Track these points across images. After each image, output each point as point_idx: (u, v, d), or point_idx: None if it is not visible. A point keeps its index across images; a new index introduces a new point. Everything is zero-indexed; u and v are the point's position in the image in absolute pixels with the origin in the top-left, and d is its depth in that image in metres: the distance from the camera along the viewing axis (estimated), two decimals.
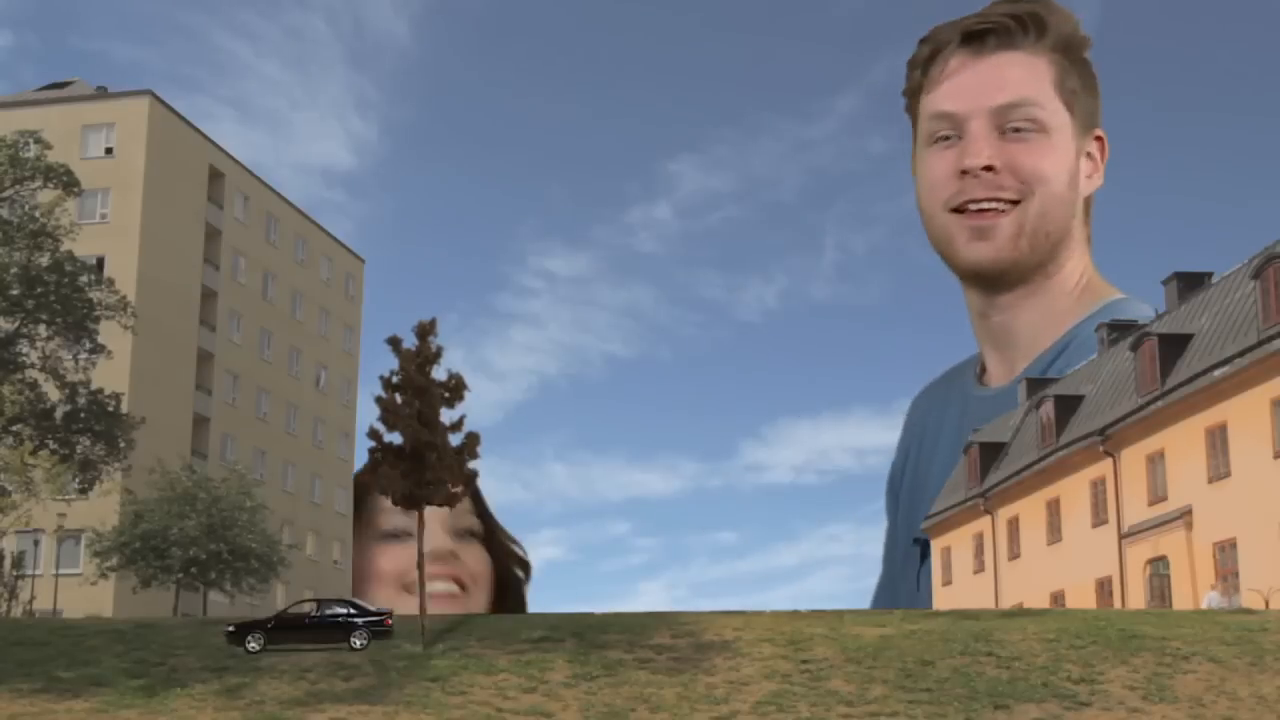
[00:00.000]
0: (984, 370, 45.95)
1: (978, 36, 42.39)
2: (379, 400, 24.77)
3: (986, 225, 42.35)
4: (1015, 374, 42.73)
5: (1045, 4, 42.82)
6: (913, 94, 43.69)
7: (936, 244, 42.83)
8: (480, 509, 51.77)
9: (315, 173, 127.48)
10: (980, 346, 45.40)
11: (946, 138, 42.44)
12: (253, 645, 23.78)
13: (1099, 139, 43.41)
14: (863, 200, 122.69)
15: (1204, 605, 27.92)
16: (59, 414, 33.16)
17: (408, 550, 45.99)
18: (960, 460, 42.20)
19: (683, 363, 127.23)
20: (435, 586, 42.83)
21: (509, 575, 51.42)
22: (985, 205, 41.67)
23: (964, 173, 41.21)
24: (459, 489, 25.22)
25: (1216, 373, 29.80)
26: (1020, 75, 42.10)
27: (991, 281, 42.59)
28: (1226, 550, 29.38)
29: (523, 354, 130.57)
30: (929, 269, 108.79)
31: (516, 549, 53.01)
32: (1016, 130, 42.26)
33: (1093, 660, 21.68)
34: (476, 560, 50.04)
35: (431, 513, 46.01)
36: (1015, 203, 42.00)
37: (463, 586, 49.27)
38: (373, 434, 24.94)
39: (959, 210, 41.92)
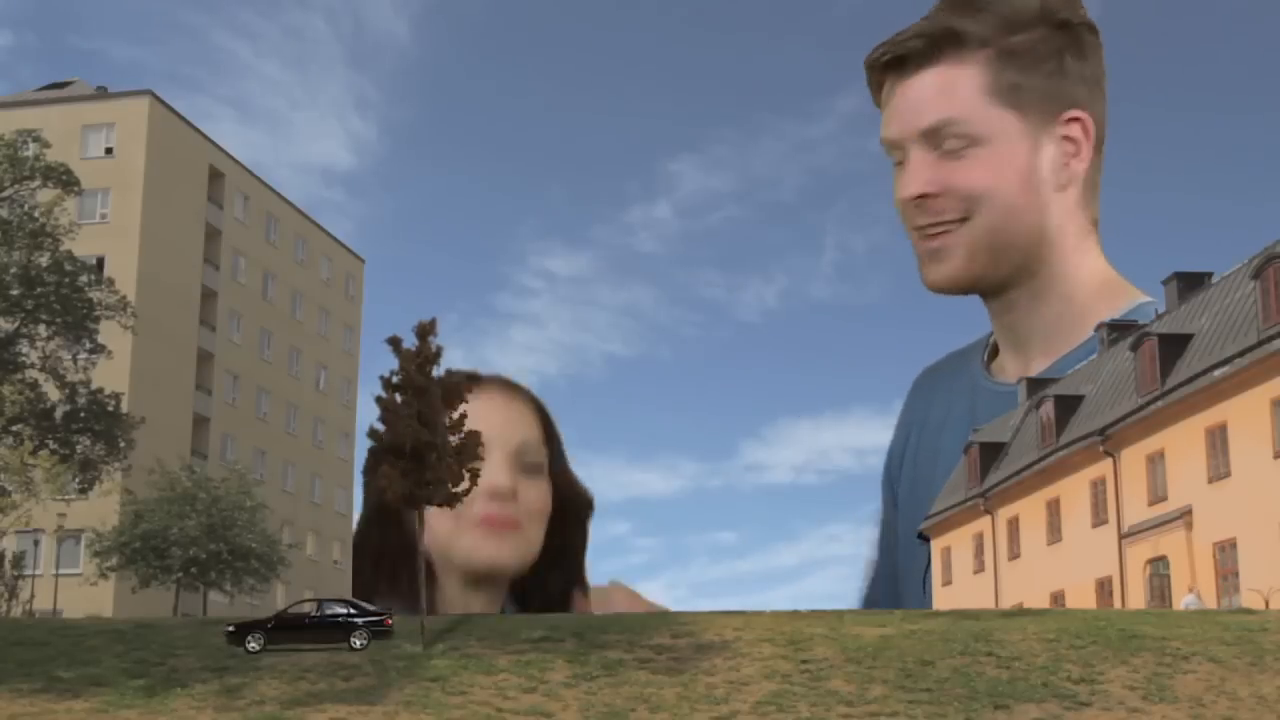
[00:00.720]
0: (991, 359, 44.64)
1: (897, 61, 40.98)
2: (379, 400, 24.79)
3: (937, 247, 41.30)
4: (1029, 372, 41.67)
5: (972, 5, 40.62)
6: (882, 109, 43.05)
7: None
8: (550, 437, 46.93)
9: (315, 172, 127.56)
10: (998, 340, 44.20)
11: (901, 162, 41.55)
12: (253, 645, 23.78)
13: (1076, 120, 41.06)
14: (863, 200, 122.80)
15: (1182, 607, 28.13)
16: (59, 414, 33.17)
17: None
18: (962, 459, 42.19)
19: (683, 363, 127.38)
20: (478, 540, 40.77)
21: (571, 510, 46.81)
22: (932, 230, 40.71)
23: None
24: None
25: (1216, 373, 29.78)
26: (940, 94, 40.37)
27: (976, 292, 41.75)
28: (1226, 550, 29.38)
29: (523, 354, 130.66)
30: None
31: (579, 483, 48.32)
32: (955, 143, 40.76)
33: (1093, 660, 21.68)
34: (537, 496, 45.38)
35: (498, 441, 44.40)
36: (964, 220, 40.76)
37: (516, 526, 44.29)
38: (373, 434, 24.96)
39: (919, 230, 41.04)
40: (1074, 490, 35.93)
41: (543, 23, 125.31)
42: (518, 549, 43.38)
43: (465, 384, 38.35)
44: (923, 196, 40.45)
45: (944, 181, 40.93)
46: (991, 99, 40.60)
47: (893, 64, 40.77)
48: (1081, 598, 34.32)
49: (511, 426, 44.00)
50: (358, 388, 69.15)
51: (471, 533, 40.45)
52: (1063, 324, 41.75)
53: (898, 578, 43.71)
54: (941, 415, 43.57)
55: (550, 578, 44.87)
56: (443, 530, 40.91)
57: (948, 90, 41.01)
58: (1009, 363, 43.18)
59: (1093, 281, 42.33)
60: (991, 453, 40.88)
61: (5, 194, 32.00)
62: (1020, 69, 40.93)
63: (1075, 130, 41.41)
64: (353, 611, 24.62)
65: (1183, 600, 28.92)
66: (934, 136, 40.69)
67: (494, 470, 41.71)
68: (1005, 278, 41.47)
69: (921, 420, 44.51)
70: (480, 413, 43.66)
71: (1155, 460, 32.22)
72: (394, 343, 25.06)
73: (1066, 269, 42.08)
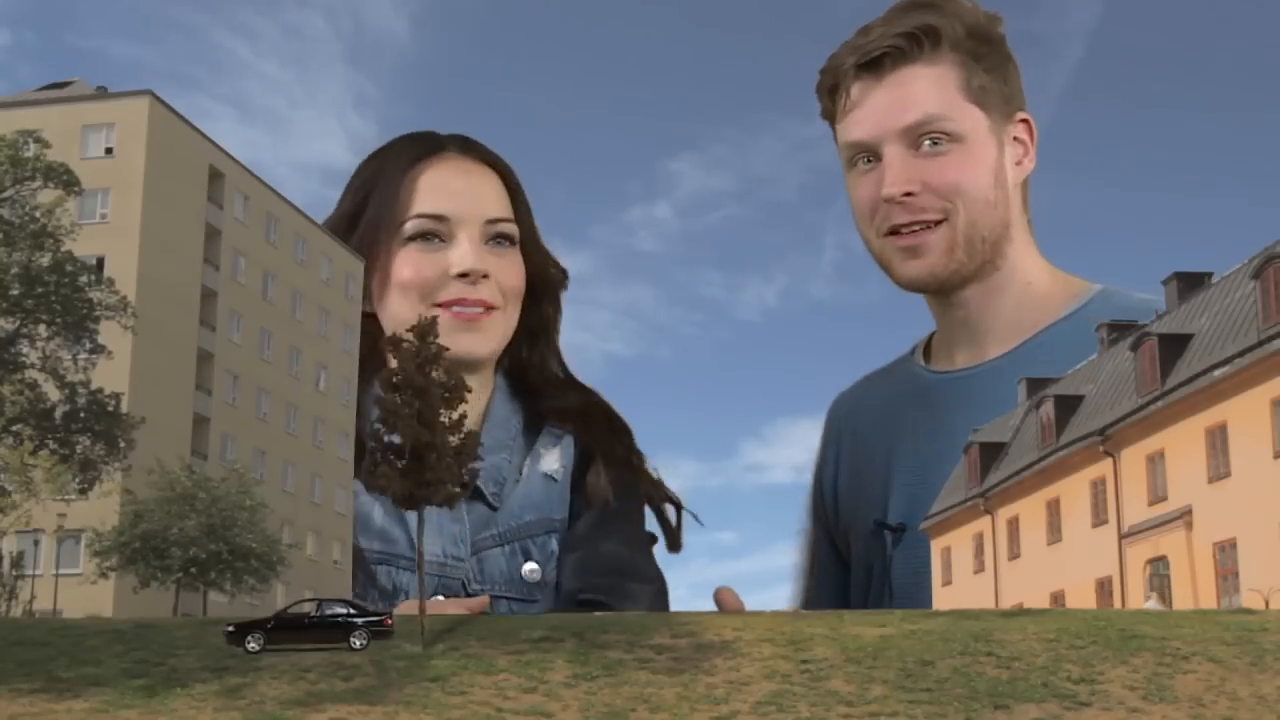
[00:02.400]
0: (929, 357, 44.69)
1: (872, 63, 41.12)
2: (379, 401, 24.79)
3: (917, 244, 41.28)
4: (986, 357, 41.94)
5: (936, 8, 41.03)
6: (828, 118, 42.76)
7: (878, 263, 42.14)
8: (518, 205, 41.69)
9: (314, 171, 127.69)
10: (941, 336, 44.24)
11: (868, 161, 41.52)
12: (253, 645, 23.78)
13: (1024, 121, 41.77)
14: None
15: (1145, 606, 28.43)
16: (59, 414, 33.16)
17: (435, 258, 40.42)
18: (962, 459, 42.16)
19: (682, 362, 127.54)
20: (449, 334, 34.61)
21: (546, 286, 42.36)
22: (911, 228, 40.81)
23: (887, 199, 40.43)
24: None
25: (1216, 373, 29.79)
26: (922, 90, 40.35)
27: (948, 288, 41.87)
28: (1226, 550, 29.39)
29: None
30: None
31: (551, 255, 43.33)
32: (933, 142, 40.90)
33: (1093, 660, 21.69)
34: (511, 272, 40.45)
35: (465, 215, 41.46)
36: (941, 221, 40.93)
37: (489, 308, 39.50)
38: (373, 434, 24.96)
39: (892, 232, 41.09)
40: (1074, 490, 35.95)
41: (542, 21, 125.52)
42: (491, 338, 39.99)
43: (423, 152, 36.31)
44: (907, 195, 40.63)
45: (925, 179, 41.30)
46: (965, 94, 41.23)
47: (866, 65, 41.08)
48: (1081, 598, 34.33)
49: (477, 196, 40.78)
50: (358, 388, 69.16)
51: (446, 321, 36.09)
52: (1022, 313, 42.53)
53: (850, 583, 43.03)
54: (879, 418, 43.54)
55: (531, 359, 41.99)
56: (410, 315, 35.08)
57: (930, 87, 41.37)
58: (958, 354, 43.40)
59: (1043, 272, 43.39)
60: (991, 453, 40.90)
61: (6, 194, 32.00)
62: (990, 63, 41.81)
63: (1023, 132, 42.66)
64: (353, 611, 24.63)
65: (1145, 602, 29.19)
66: (914, 133, 41.09)
67: (461, 251, 39.55)
68: (973, 272, 41.99)
69: (851, 430, 44.55)
70: (440, 181, 41.39)
71: (1155, 460, 32.23)
72: (394, 343, 25.06)
73: (1023, 261, 42.98)
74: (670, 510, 41.04)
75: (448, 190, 39.17)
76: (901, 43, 41.53)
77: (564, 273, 42.63)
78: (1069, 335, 39.96)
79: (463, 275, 38.34)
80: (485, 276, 38.43)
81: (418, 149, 40.08)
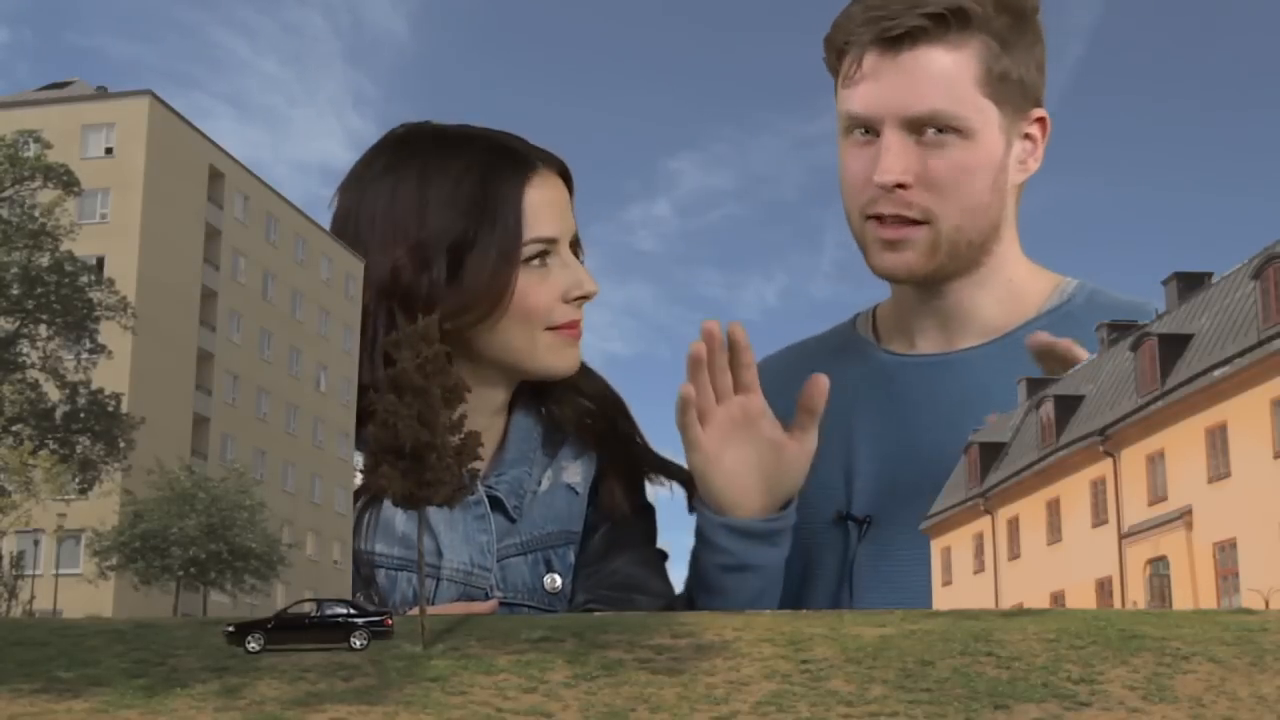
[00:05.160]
0: (878, 336, 40.95)
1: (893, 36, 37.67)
2: (378, 401, 24.81)
3: (898, 239, 38.00)
4: (954, 347, 38.97)
5: None
6: (831, 72, 39.28)
7: (855, 240, 38.91)
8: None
9: (313, 170, 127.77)
10: (897, 315, 40.64)
11: (865, 133, 37.92)
12: (253, 645, 23.80)
13: (1040, 120, 37.86)
14: None
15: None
16: (59, 414, 33.20)
17: (550, 282, 38.81)
18: (962, 459, 42.07)
19: (682, 361, 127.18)
20: (563, 344, 34.43)
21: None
22: (894, 220, 37.49)
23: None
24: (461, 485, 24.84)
25: (1216, 373, 29.80)
26: (937, 80, 36.34)
27: (926, 284, 38.66)
28: (1226, 550, 29.40)
29: None
30: None
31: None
32: (938, 131, 37.33)
33: (1093, 660, 21.70)
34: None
35: (563, 237, 39.00)
36: (928, 221, 37.69)
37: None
38: (373, 434, 24.99)
39: (875, 217, 37.70)
40: (1074, 490, 35.96)
41: (541, 19, 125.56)
42: (579, 350, 40.07)
43: (527, 172, 33.54)
44: (899, 186, 37.45)
45: (921, 170, 37.96)
46: (982, 89, 37.70)
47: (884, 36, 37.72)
48: (1081, 598, 34.35)
49: (566, 212, 39.74)
50: (358, 388, 69.25)
51: (553, 339, 35.81)
52: (1001, 308, 39.48)
53: (805, 574, 39.43)
54: (837, 404, 38.49)
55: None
56: (520, 340, 34.98)
57: (946, 79, 37.56)
58: (920, 339, 40.01)
59: (1025, 268, 40.26)
60: (991, 453, 40.87)
61: (6, 194, 32.04)
62: (1011, 57, 38.13)
63: (1036, 129, 39.13)
64: (353, 611, 24.65)
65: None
66: (920, 122, 37.62)
67: (581, 273, 38.22)
68: (955, 270, 38.83)
69: (786, 406, 38.97)
70: (545, 201, 39.80)
71: (1155, 460, 32.25)
72: (394, 343, 25.07)
73: (1009, 256, 39.49)
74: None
75: (553, 210, 38.15)
76: (926, 23, 37.87)
77: None
78: (1047, 331, 37.87)
79: (582, 297, 37.37)
80: None
81: (519, 170, 37.98)
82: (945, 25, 37.96)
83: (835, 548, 38.38)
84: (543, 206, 37.74)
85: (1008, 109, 38.45)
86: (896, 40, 37.74)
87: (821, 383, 31.49)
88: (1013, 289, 39.33)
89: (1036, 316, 38.68)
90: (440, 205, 37.20)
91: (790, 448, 33.27)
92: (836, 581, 38.11)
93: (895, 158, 37.64)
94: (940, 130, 37.63)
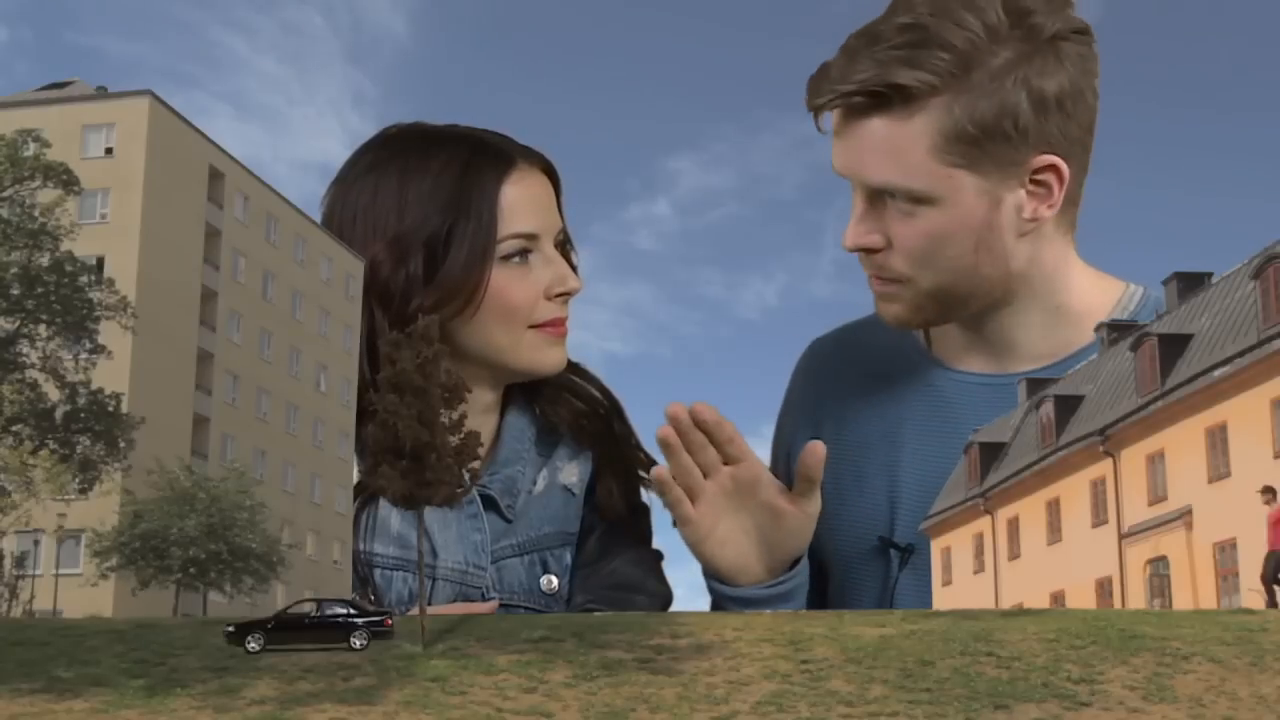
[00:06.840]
0: (928, 336, 41.13)
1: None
2: (378, 401, 24.80)
3: (882, 292, 37.42)
4: (1006, 370, 39.36)
5: (917, 41, 34.85)
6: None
7: None
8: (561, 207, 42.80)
9: (313, 169, 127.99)
10: (955, 336, 40.90)
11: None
12: (253, 645, 23.79)
13: (1051, 167, 37.45)
14: None
15: None
16: (59, 414, 33.25)
17: (531, 278, 38.57)
18: (962, 459, 42.12)
19: (682, 361, 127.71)
20: (547, 342, 34.69)
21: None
22: (877, 277, 36.94)
23: None
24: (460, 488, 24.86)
25: (1216, 373, 29.80)
26: (882, 154, 34.98)
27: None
28: (1226, 550, 29.40)
29: None
30: None
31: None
32: (900, 205, 36.28)
33: (1093, 660, 21.70)
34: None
35: (545, 234, 39.73)
36: (909, 280, 36.81)
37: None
38: (371, 434, 24.97)
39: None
40: (1074, 490, 35.96)
41: (541, 19, 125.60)
42: (565, 348, 39.86)
43: (505, 168, 34.52)
44: (870, 250, 36.86)
45: (889, 236, 36.89)
46: (943, 158, 35.97)
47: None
48: (1081, 598, 34.36)
49: (549, 208, 39.57)
50: (358, 388, 69.38)
51: (536, 337, 35.75)
52: (1052, 333, 39.07)
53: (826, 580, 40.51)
54: (877, 407, 38.34)
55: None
56: (502, 338, 35.02)
57: (893, 153, 36.15)
58: (971, 357, 39.80)
59: (1082, 288, 39.63)
60: (991, 453, 40.88)
61: (6, 194, 32.09)
62: (981, 112, 36.62)
63: (1048, 175, 37.76)
64: (353, 611, 24.64)
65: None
66: (879, 193, 36.73)
67: (563, 270, 38.38)
68: (964, 313, 38.17)
69: (839, 411, 38.30)
70: (526, 196, 40.15)
71: (1155, 460, 32.25)
72: (394, 343, 25.06)
73: (1055, 282, 38.93)
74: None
75: (534, 205, 38.37)
76: (860, 101, 35.61)
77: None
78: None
79: (564, 294, 37.42)
80: None
81: (498, 165, 38.25)
82: (881, 98, 36.48)
83: (876, 573, 38.65)
84: (522, 202, 38.01)
85: (987, 167, 36.68)
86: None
87: (819, 451, 31.15)
88: (1064, 314, 38.43)
89: (1091, 343, 38.50)
90: (418, 201, 37.70)
91: (791, 516, 33.42)
92: (876, 606, 38.76)
93: (853, 225, 36.61)
94: (903, 203, 36.84)
